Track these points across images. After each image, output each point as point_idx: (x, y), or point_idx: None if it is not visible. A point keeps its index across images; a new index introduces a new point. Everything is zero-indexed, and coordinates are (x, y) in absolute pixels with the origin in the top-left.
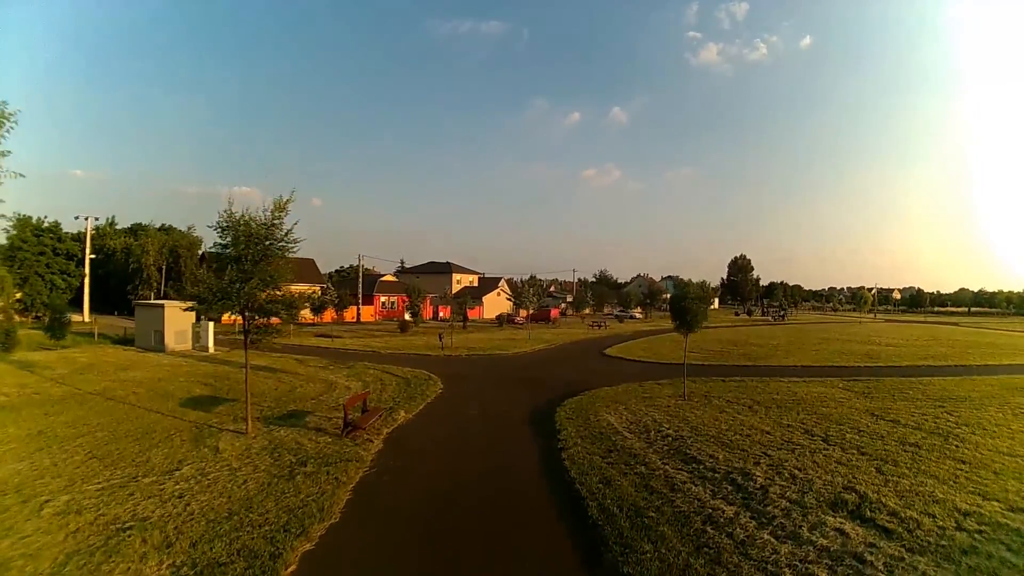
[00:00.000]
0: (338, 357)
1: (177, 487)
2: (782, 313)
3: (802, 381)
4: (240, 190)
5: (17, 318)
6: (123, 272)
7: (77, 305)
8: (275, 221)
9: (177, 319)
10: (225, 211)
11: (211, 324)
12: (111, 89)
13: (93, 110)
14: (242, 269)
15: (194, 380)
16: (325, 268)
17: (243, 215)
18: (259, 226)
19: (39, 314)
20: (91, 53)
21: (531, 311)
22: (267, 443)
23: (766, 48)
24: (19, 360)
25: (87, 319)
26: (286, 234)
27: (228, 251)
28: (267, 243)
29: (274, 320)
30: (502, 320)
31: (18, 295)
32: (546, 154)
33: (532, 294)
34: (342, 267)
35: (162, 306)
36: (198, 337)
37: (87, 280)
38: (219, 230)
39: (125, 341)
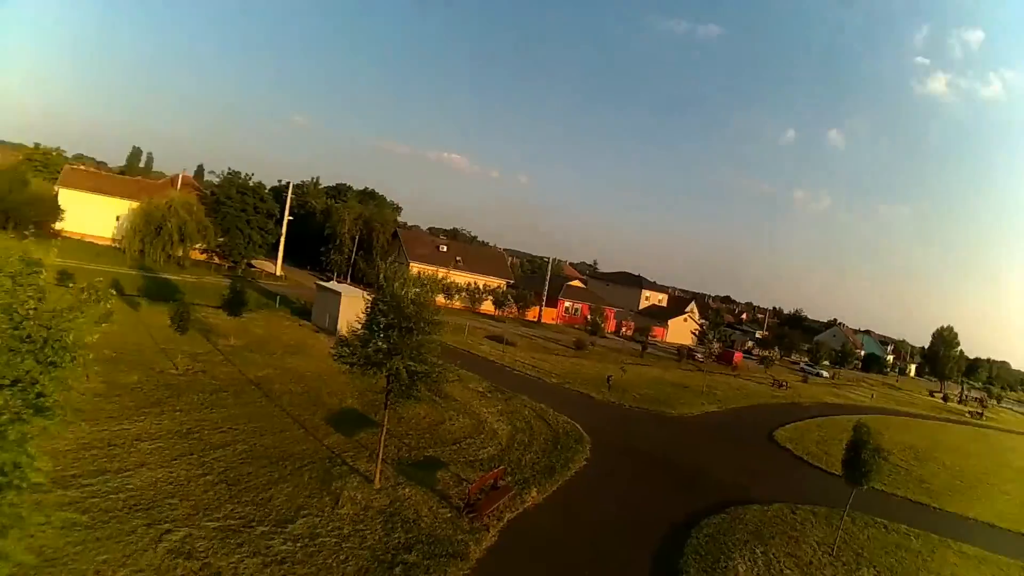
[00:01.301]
0: (501, 379)
1: (283, 548)
2: (980, 412)
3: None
4: (449, 156)
5: (216, 260)
6: (319, 231)
7: (274, 256)
8: (424, 300)
9: (352, 307)
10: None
11: None
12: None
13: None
14: (389, 339)
15: (353, 384)
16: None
17: (401, 285)
18: (411, 304)
19: (235, 260)
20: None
21: (713, 355)
22: (387, 504)
23: (1000, 84)
24: (201, 322)
25: (279, 272)
26: (436, 314)
27: (380, 319)
28: (417, 323)
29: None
30: (682, 354)
31: (221, 240)
32: (754, 169)
33: (714, 338)
34: (534, 259)
35: (340, 294)
36: None
37: (283, 239)
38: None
39: (303, 313)
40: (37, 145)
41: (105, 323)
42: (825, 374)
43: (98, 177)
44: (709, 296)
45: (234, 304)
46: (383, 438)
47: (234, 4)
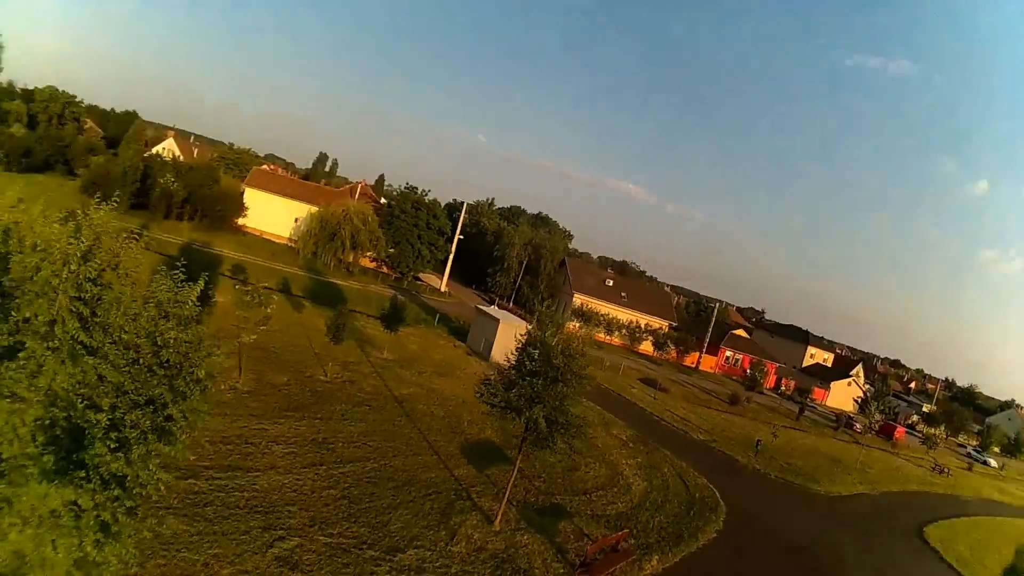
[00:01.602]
0: (647, 428)
1: None
2: None
3: None
4: (627, 185)
5: (385, 269)
6: (488, 252)
7: (440, 272)
8: (574, 352)
9: (509, 335)
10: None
11: None
12: None
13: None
14: (533, 386)
15: (495, 415)
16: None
17: (553, 334)
18: (560, 355)
19: (402, 272)
20: None
21: (873, 427)
22: (502, 548)
23: None
24: (358, 332)
25: (444, 288)
26: (585, 368)
27: (526, 364)
28: (564, 374)
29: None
30: (840, 422)
31: (391, 251)
32: (943, 223)
33: (876, 409)
34: (700, 299)
35: (498, 321)
36: None
37: (451, 257)
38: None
39: (460, 334)
40: (231, 145)
41: (264, 326)
42: (993, 463)
43: (282, 180)
44: (878, 358)
45: (392, 319)
46: (513, 479)
47: (417, 32)
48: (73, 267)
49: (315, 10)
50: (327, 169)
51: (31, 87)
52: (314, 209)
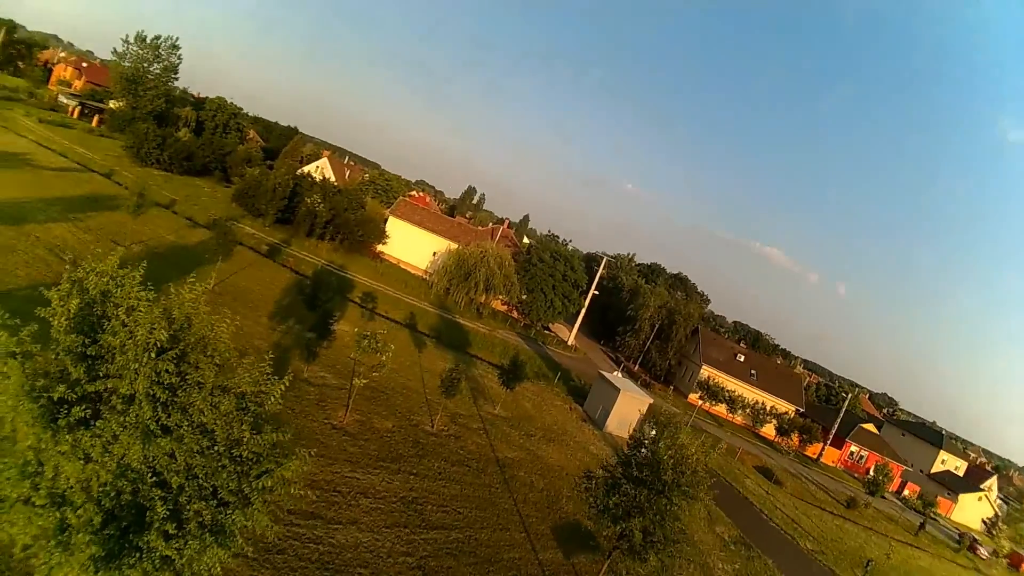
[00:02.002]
0: (752, 527)
1: None
2: None
3: None
4: (769, 249)
5: (515, 314)
6: (621, 309)
7: (570, 324)
8: (686, 467)
9: (627, 407)
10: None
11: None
12: None
13: None
14: (637, 496)
15: (591, 515)
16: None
17: (668, 446)
18: (670, 470)
19: (532, 321)
20: None
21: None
22: None
23: None
24: (474, 380)
25: (571, 341)
26: (697, 485)
27: (632, 471)
28: (671, 488)
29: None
30: (963, 543)
31: (523, 297)
32: None
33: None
34: (832, 381)
35: (619, 391)
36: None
37: (583, 311)
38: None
39: (579, 395)
40: (382, 172)
41: (377, 373)
42: None
43: (425, 213)
44: (1016, 468)
45: (511, 376)
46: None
47: (581, 87)
48: (153, 354)
49: (486, 53)
50: (474, 202)
51: (203, 96)
52: (454, 246)
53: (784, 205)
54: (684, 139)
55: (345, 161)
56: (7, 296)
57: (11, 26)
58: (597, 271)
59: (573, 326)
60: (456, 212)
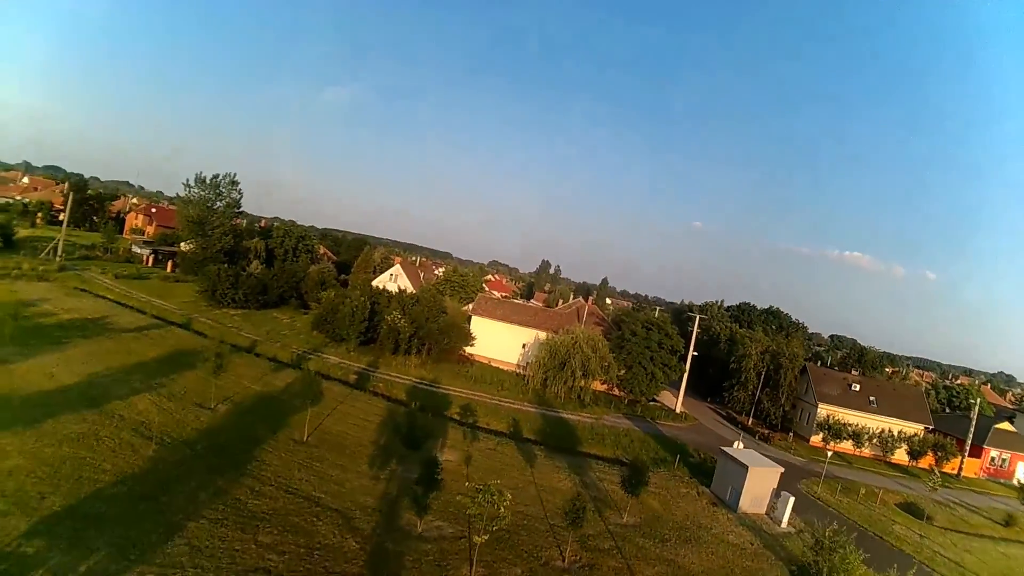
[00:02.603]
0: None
1: None
2: None
3: None
4: (850, 255)
5: (616, 391)
6: (722, 361)
7: (674, 388)
8: None
9: (758, 483)
10: None
11: (791, 499)
12: None
13: None
14: None
15: None
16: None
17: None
18: None
19: (635, 399)
20: None
21: None
22: None
23: None
24: (594, 487)
25: (679, 409)
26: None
27: None
28: None
29: None
30: None
31: (621, 373)
32: None
33: None
34: (951, 386)
35: (746, 468)
36: (774, 507)
37: (686, 375)
38: None
39: (703, 473)
40: (455, 268)
41: (497, 527)
42: None
43: (507, 306)
44: None
45: (633, 483)
46: None
47: (633, 136)
48: None
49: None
50: (551, 272)
51: (266, 218)
52: (542, 334)
53: (857, 208)
54: (746, 164)
55: (416, 261)
56: (95, 497)
57: (82, 183)
58: (692, 331)
59: (678, 391)
60: (535, 288)
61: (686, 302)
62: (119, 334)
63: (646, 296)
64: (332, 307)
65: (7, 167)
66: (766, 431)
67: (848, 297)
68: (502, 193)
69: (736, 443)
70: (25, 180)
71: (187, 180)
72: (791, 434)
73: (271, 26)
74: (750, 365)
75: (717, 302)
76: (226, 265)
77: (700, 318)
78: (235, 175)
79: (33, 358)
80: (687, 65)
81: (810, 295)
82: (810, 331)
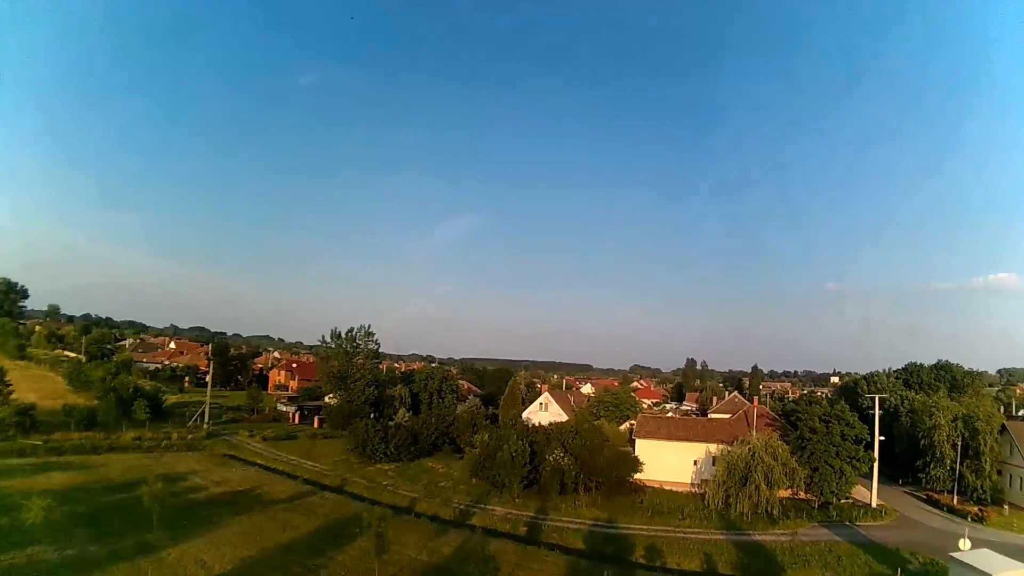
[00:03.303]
0: None
1: None
2: None
3: None
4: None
5: (801, 494)
6: (910, 436)
7: (864, 480)
8: None
9: None
10: None
11: None
12: None
13: None
14: None
15: None
16: None
17: None
18: None
19: (826, 501)
20: None
21: None
22: None
23: None
24: None
25: (874, 503)
26: None
27: None
28: None
29: None
30: None
31: (804, 475)
32: None
33: None
34: None
35: None
36: None
37: (876, 465)
38: None
39: None
40: (606, 389)
41: None
42: None
43: (672, 423)
44: None
45: None
46: None
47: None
48: None
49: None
50: (699, 367)
51: (403, 353)
52: (712, 448)
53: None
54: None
55: (560, 382)
56: None
57: (224, 345)
58: (874, 415)
59: (870, 482)
60: (684, 389)
61: (838, 372)
62: (271, 507)
63: (795, 372)
64: (489, 452)
65: (156, 332)
66: (976, 509)
67: (1004, 323)
68: (634, 297)
69: (962, 541)
70: (172, 345)
71: (323, 337)
72: (1005, 507)
73: (377, 164)
74: (942, 437)
75: (885, 371)
76: (373, 419)
77: (880, 398)
78: (370, 326)
79: (183, 543)
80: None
81: (962, 330)
82: (976, 369)
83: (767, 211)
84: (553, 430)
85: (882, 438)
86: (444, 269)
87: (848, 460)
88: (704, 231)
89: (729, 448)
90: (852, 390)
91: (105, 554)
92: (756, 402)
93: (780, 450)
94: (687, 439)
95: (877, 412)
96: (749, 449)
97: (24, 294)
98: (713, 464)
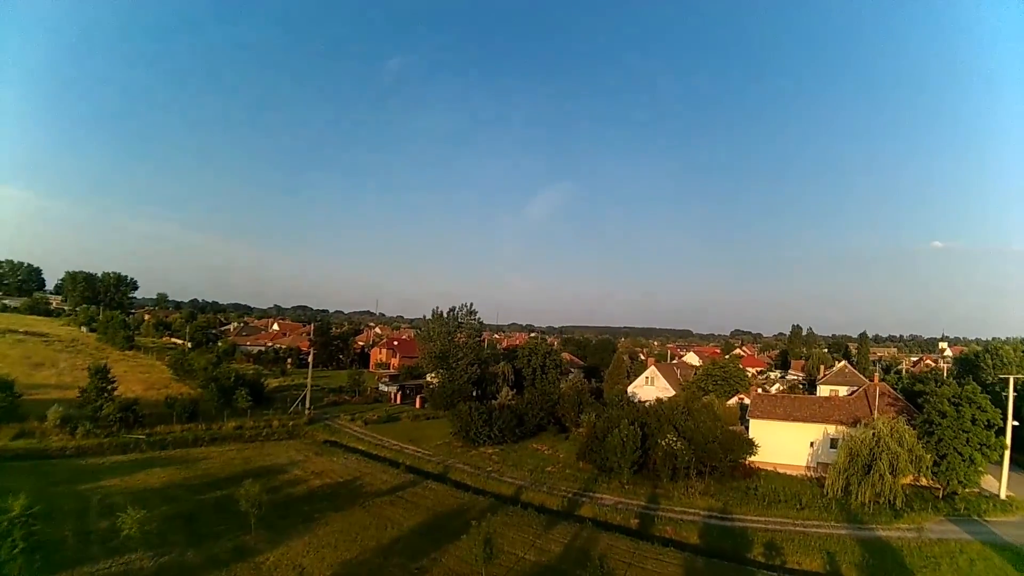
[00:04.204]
0: None
1: None
2: None
3: None
4: None
5: (923, 481)
6: None
7: (995, 472)
8: None
9: None
10: None
11: None
12: None
13: None
14: None
15: None
16: None
17: None
18: None
19: (952, 492)
20: None
21: None
22: None
23: None
24: None
25: (1003, 494)
26: None
27: None
28: None
29: None
30: None
31: (930, 462)
32: None
33: None
34: None
35: None
36: None
37: (1007, 453)
38: None
39: None
40: (713, 361)
41: None
42: None
43: (788, 402)
44: None
45: None
46: None
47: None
48: None
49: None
50: (804, 335)
51: (502, 323)
52: (830, 428)
53: None
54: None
55: (664, 352)
56: None
57: (326, 324)
58: (1007, 398)
59: (1000, 472)
60: (789, 356)
61: (947, 337)
62: (372, 499)
63: (900, 337)
64: (596, 434)
65: (260, 314)
66: None
67: None
68: (732, 260)
69: None
70: (275, 327)
71: (425, 316)
72: None
73: (469, 142)
74: None
75: (1008, 340)
76: (476, 400)
77: (1014, 379)
78: (472, 304)
79: (282, 545)
80: None
81: None
82: None
83: (867, 164)
84: (664, 411)
85: (1015, 423)
86: (539, 239)
87: (978, 446)
88: (799, 186)
89: (851, 432)
90: (973, 364)
91: (202, 560)
92: (877, 379)
93: (907, 436)
94: (804, 419)
95: (1011, 394)
96: (874, 434)
97: (134, 285)
98: (831, 447)
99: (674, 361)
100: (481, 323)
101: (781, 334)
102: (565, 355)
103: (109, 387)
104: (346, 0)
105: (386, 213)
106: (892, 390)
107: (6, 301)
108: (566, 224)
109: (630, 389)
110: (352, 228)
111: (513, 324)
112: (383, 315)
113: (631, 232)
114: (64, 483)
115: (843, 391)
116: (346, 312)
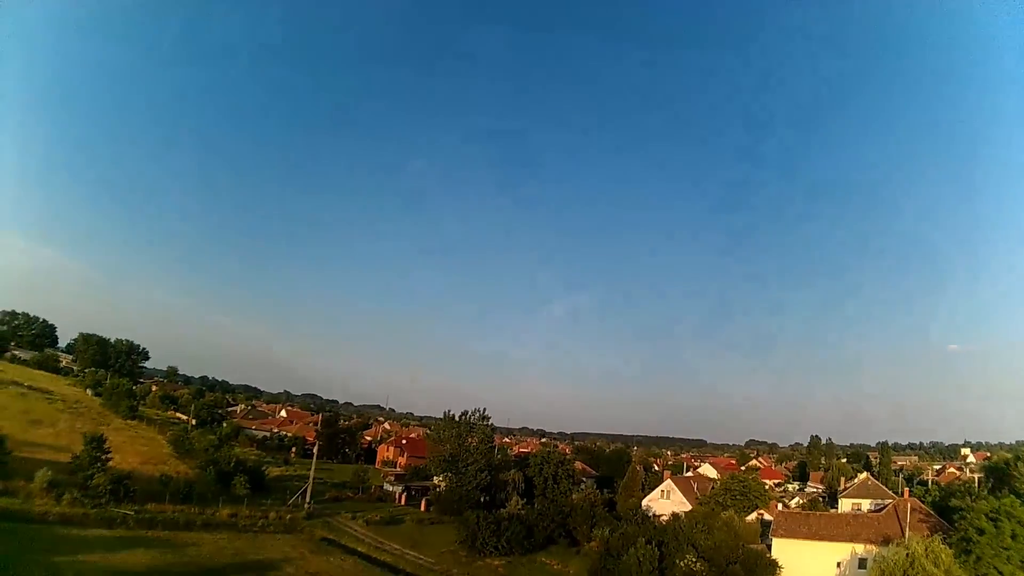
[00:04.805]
0: None
1: None
2: None
3: None
4: None
5: None
6: None
7: None
8: None
9: None
10: None
11: None
12: None
13: None
14: None
15: None
16: None
17: None
18: None
19: None
20: None
21: None
22: None
23: None
24: None
25: None
26: None
27: None
28: None
29: None
30: None
31: None
32: None
33: None
34: None
35: None
36: None
37: None
38: None
39: None
40: (732, 476)
41: None
42: None
43: (812, 520)
44: None
45: None
46: None
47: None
48: None
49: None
50: (823, 444)
51: (512, 426)
52: (858, 548)
53: None
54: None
55: (678, 461)
56: None
57: (334, 416)
58: None
59: None
60: (808, 468)
61: (969, 443)
62: None
63: (920, 444)
64: (610, 550)
65: (269, 398)
66: None
67: None
68: (746, 369)
69: None
70: (283, 413)
71: (434, 416)
72: None
73: (491, 248)
74: None
75: None
76: (485, 508)
77: None
78: (485, 410)
79: None
80: None
81: None
82: None
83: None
84: (682, 528)
85: None
86: (554, 343)
87: (1020, 564)
88: (815, 297)
89: (883, 552)
90: (1004, 472)
91: None
92: (907, 494)
93: (943, 555)
94: (831, 538)
95: None
96: (907, 555)
97: (145, 355)
98: (859, 567)
99: (689, 473)
100: (493, 428)
101: (798, 443)
102: (578, 464)
103: (103, 456)
104: (375, 109)
105: (402, 310)
106: (923, 505)
107: (17, 352)
108: (580, 329)
109: (645, 502)
110: (368, 324)
111: (524, 428)
112: (393, 410)
113: (644, 336)
114: (40, 551)
115: (866, 504)
116: (356, 404)
